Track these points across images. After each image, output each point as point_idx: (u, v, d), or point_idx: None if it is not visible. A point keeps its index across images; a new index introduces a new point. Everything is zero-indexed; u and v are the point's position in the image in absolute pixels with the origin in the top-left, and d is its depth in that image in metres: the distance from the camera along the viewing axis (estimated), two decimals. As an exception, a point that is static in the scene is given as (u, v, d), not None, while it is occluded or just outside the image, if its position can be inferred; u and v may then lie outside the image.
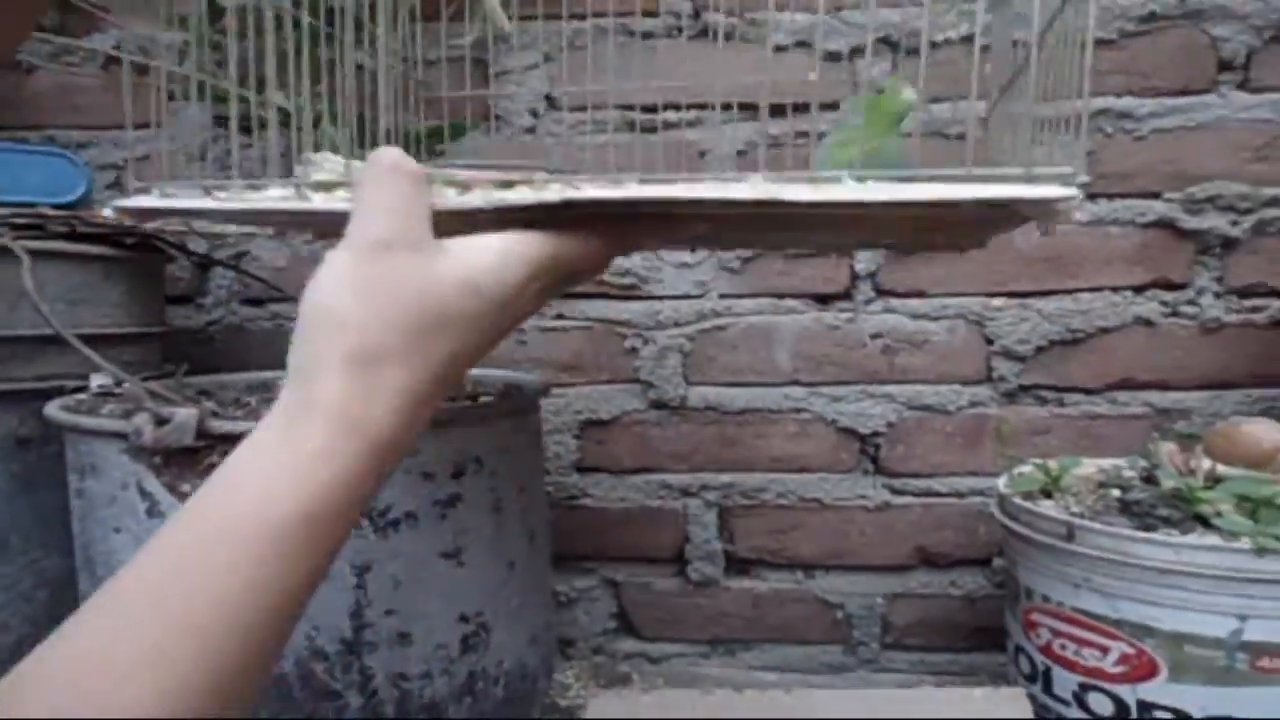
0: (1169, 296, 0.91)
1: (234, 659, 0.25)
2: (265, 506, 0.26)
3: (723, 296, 0.96)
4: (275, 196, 0.37)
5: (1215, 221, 0.89)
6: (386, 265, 0.30)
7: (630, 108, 0.91)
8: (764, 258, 0.94)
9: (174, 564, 0.26)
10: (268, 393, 0.72)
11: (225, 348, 1.01)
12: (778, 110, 0.88)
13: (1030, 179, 0.31)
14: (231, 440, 0.50)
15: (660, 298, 0.97)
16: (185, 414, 0.49)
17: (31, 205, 0.72)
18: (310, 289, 0.30)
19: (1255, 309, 0.90)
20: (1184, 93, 0.88)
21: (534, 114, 0.95)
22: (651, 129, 0.91)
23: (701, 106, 0.92)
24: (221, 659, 0.25)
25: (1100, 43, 0.88)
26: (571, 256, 0.33)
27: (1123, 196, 0.90)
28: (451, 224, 0.31)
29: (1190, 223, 0.89)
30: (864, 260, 0.94)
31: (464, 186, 0.34)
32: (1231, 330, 0.91)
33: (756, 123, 0.93)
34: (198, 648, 0.24)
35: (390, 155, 0.32)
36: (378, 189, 0.31)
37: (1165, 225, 0.90)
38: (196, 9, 0.64)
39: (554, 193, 0.32)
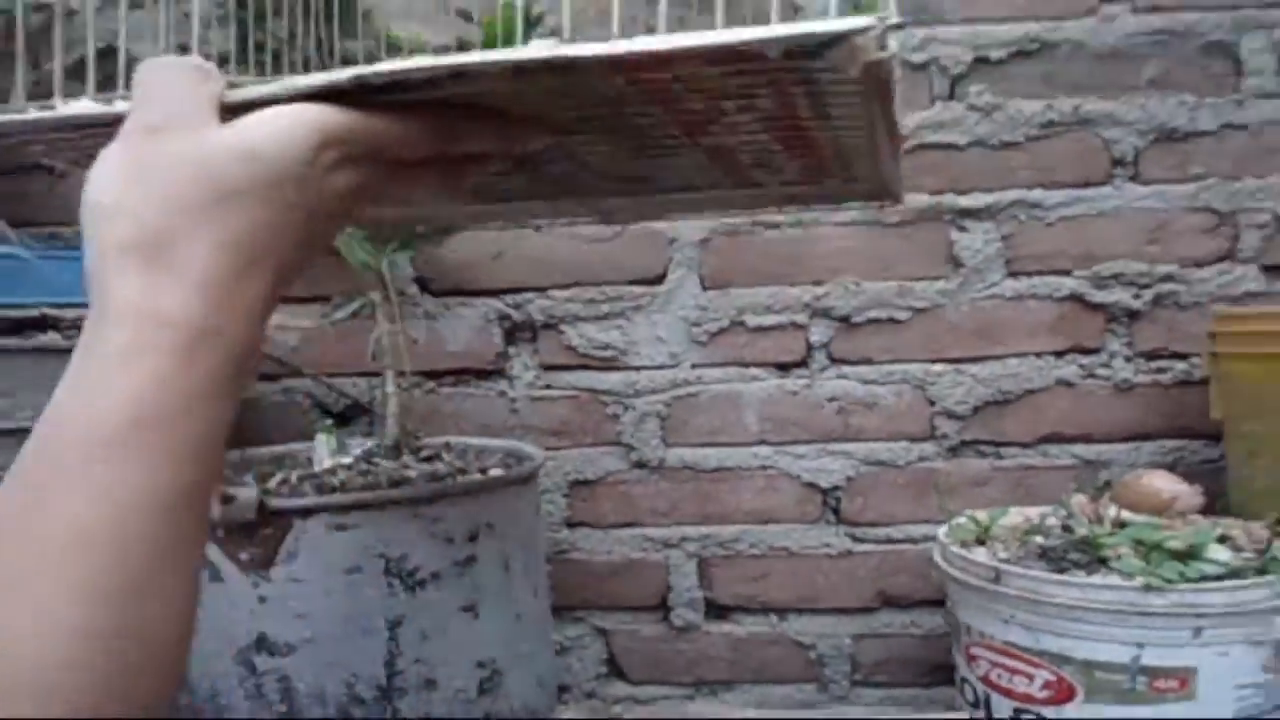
0: (1085, 360, 1.04)
1: (110, 576, 0.25)
2: (89, 426, 0.26)
3: (694, 366, 1.07)
4: (82, 106, 0.35)
5: (1119, 295, 1.02)
6: (157, 147, 0.28)
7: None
8: (729, 332, 1.06)
9: (27, 494, 0.26)
10: (295, 465, 0.81)
11: (241, 421, 1.09)
12: None
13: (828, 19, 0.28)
14: (285, 515, 0.59)
15: (638, 368, 1.07)
16: (247, 493, 0.58)
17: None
18: (85, 187, 0.29)
19: (1160, 370, 1.03)
20: (1085, 185, 1.02)
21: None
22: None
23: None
24: (92, 576, 0.25)
25: (1007, 145, 1.02)
26: (375, 131, 0.30)
27: (1039, 274, 1.03)
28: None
29: (1098, 296, 1.03)
30: (818, 332, 1.06)
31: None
32: (1142, 389, 1.04)
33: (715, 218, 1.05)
34: (56, 572, 0.24)
35: (167, 57, 0.31)
36: (154, 79, 0.30)
37: (1077, 299, 1.03)
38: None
39: (345, 72, 0.29)
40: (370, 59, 0.97)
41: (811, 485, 1.07)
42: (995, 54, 1.01)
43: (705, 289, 1.06)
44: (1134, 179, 1.02)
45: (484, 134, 0.33)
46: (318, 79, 0.29)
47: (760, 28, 0.28)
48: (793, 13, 1.01)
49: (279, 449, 0.92)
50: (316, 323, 1.04)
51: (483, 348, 1.08)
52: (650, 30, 0.29)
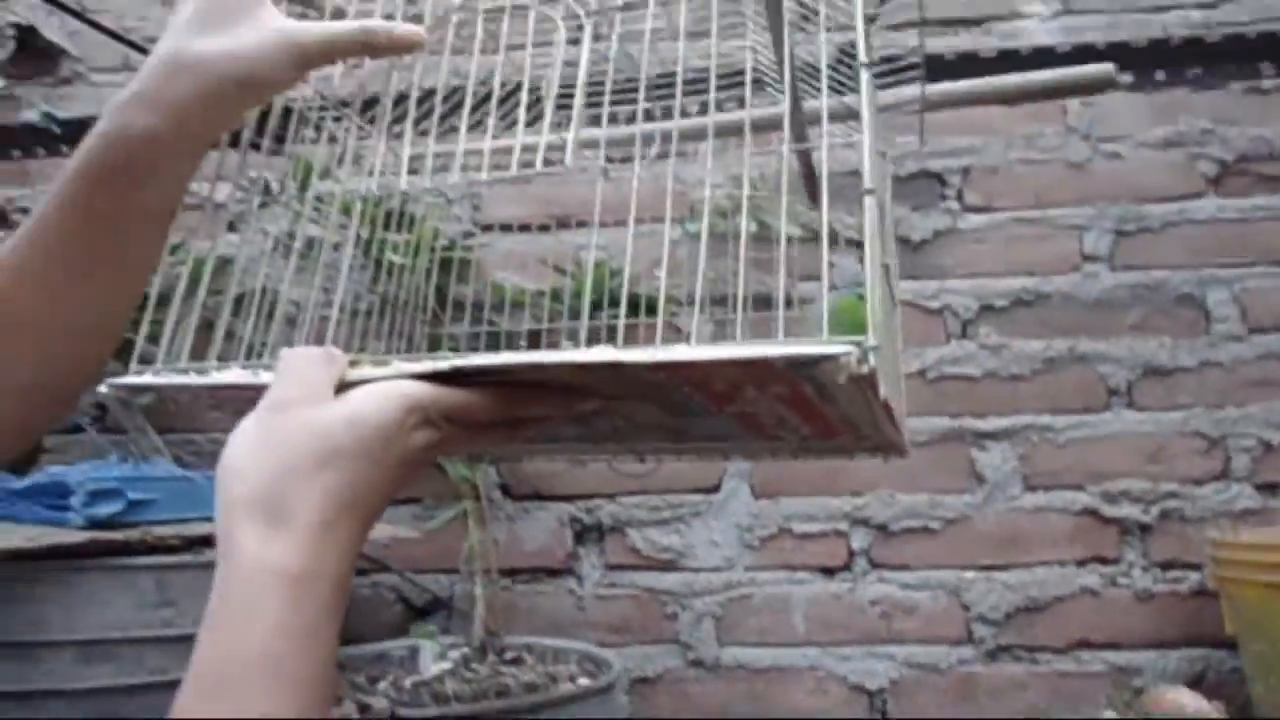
0: (1105, 570, 1.13)
1: None
2: (225, 664, 0.30)
3: (746, 569, 1.17)
4: (232, 375, 0.42)
5: (1129, 510, 1.14)
6: (281, 419, 0.34)
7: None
8: (778, 538, 1.17)
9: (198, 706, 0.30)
10: (394, 666, 0.90)
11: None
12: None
13: (819, 342, 0.34)
14: None
15: (695, 569, 1.18)
16: (381, 705, 0.68)
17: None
18: (223, 452, 0.34)
19: (1176, 580, 1.12)
20: (1087, 411, 1.17)
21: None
22: (687, 436, 1.19)
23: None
24: None
25: (1016, 377, 1.18)
26: (453, 401, 0.36)
27: (1055, 489, 1.16)
28: None
29: (1110, 511, 1.14)
30: (858, 539, 1.17)
31: (384, 364, 0.38)
32: (1162, 598, 1.12)
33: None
34: None
35: (304, 347, 0.38)
36: (287, 366, 0.36)
37: (1091, 512, 1.14)
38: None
39: (445, 362, 0.36)
40: (478, 304, 1.18)
41: (858, 688, 1.13)
42: (998, 303, 1.21)
43: (756, 498, 1.19)
44: (1129, 406, 1.17)
45: (544, 402, 0.39)
46: (420, 367, 0.36)
47: (769, 344, 0.34)
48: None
49: (375, 648, 1.01)
50: (412, 526, 1.17)
51: (555, 548, 1.19)
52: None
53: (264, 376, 0.40)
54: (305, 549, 0.32)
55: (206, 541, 0.86)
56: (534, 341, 1.05)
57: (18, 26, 1.30)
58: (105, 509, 0.81)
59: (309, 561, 0.32)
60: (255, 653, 0.30)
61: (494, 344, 0.96)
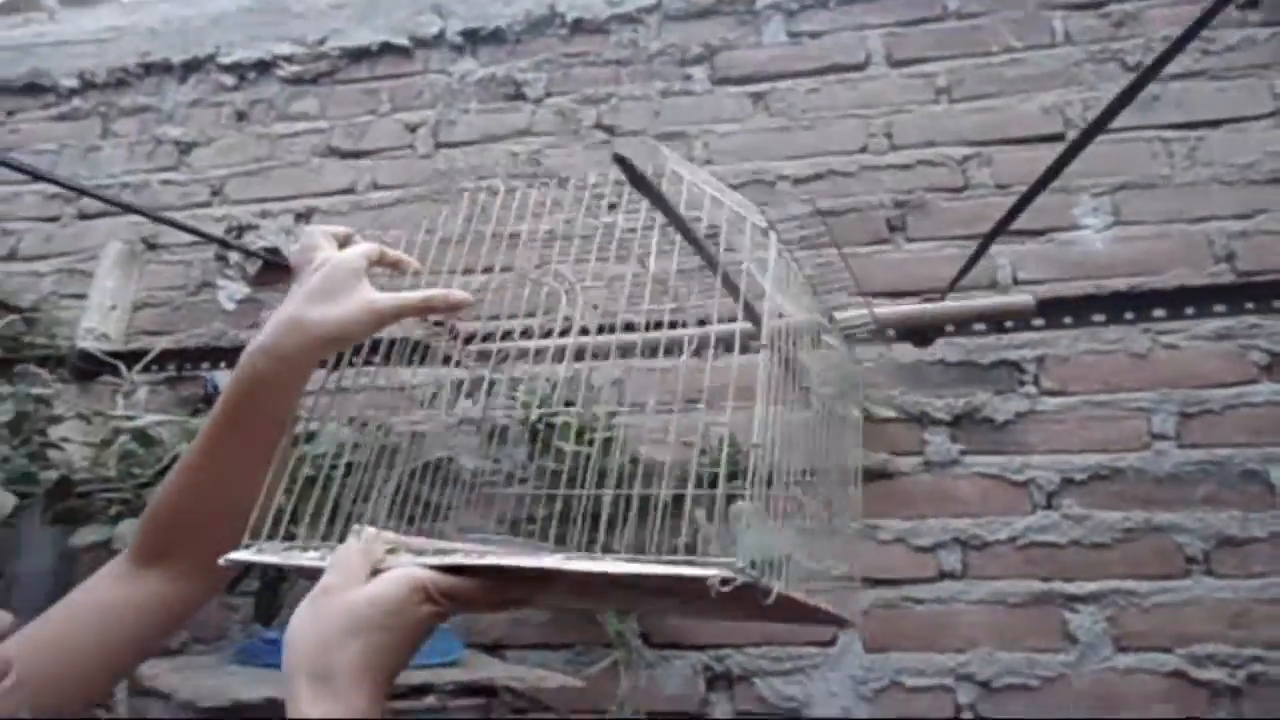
0: (1199, 729, 1.23)
1: None
2: None
3: (861, 719, 1.31)
4: (311, 557, 0.51)
5: (1216, 673, 1.24)
6: (325, 601, 0.45)
7: (787, 577, 1.38)
8: (889, 690, 1.31)
9: None
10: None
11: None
12: (882, 582, 1.33)
13: (692, 563, 0.42)
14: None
15: (816, 718, 1.32)
16: None
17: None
18: (289, 627, 0.45)
19: (1269, 741, 1.21)
20: (1167, 577, 1.30)
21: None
22: (803, 593, 1.36)
23: (837, 579, 1.37)
24: None
25: (1098, 545, 1.33)
26: (449, 584, 0.46)
27: (1142, 650, 1.27)
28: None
29: (1198, 673, 1.25)
30: (964, 694, 1.29)
31: (415, 551, 0.48)
32: (1256, 758, 1.20)
33: (874, 590, 1.36)
34: None
35: (351, 542, 0.48)
36: (336, 560, 0.47)
37: (1180, 675, 1.25)
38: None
39: (438, 558, 0.47)
40: (621, 474, 1.41)
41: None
42: (1078, 476, 1.37)
43: (868, 651, 1.34)
44: (1208, 574, 1.30)
45: (522, 588, 0.49)
46: (437, 560, 0.47)
47: (647, 565, 0.44)
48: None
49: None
50: (565, 671, 1.35)
51: (689, 693, 1.35)
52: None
53: (301, 560, 0.52)
54: (342, 702, 0.42)
55: (423, 690, 1.07)
56: (678, 504, 1.26)
57: (265, 249, 1.66)
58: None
59: (350, 706, 0.42)
60: None
61: (639, 507, 1.17)
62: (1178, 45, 0.76)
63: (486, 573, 0.47)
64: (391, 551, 0.49)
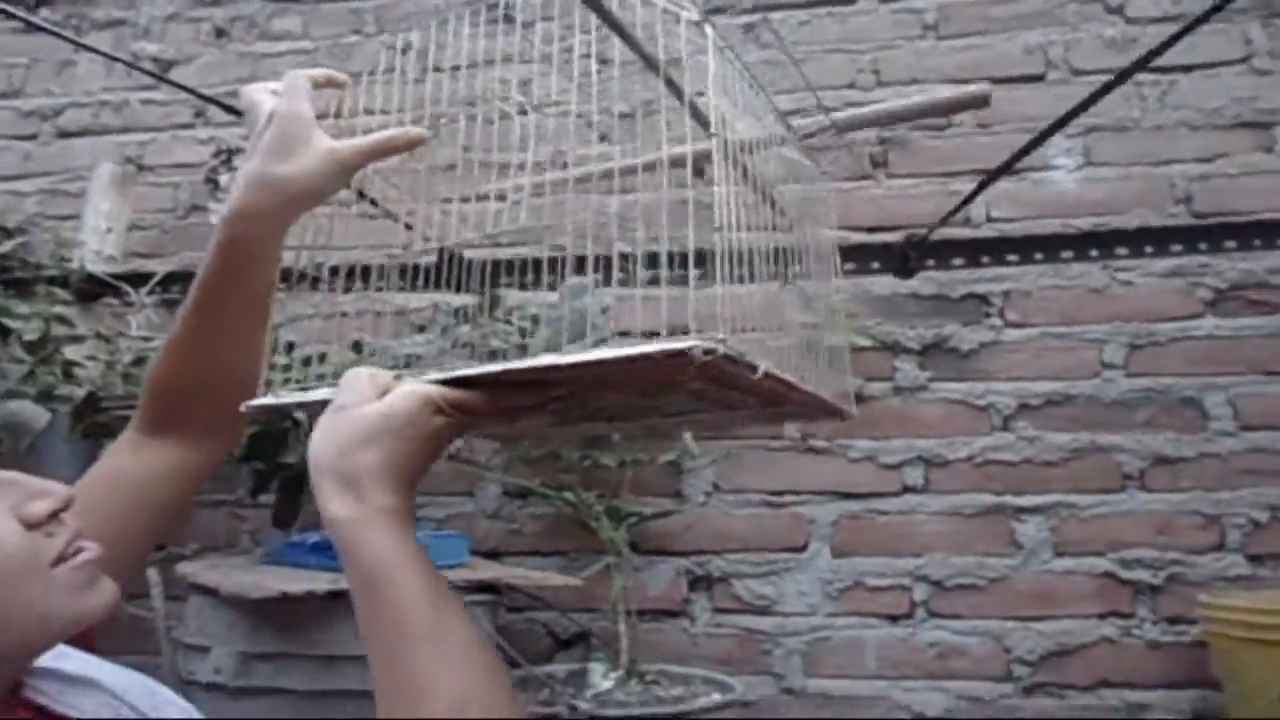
0: (1122, 623, 1.40)
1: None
2: (370, 572, 0.44)
3: (827, 615, 1.46)
4: (325, 393, 0.53)
5: (1141, 574, 1.40)
6: (339, 416, 0.47)
7: (763, 491, 1.50)
8: (853, 590, 1.46)
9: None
10: (563, 685, 1.20)
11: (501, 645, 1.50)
12: (851, 496, 1.46)
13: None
14: None
15: (786, 614, 1.46)
16: (583, 707, 0.98)
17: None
18: (310, 440, 0.48)
19: (1180, 633, 1.38)
20: (1106, 491, 1.45)
21: (706, 494, 1.53)
22: (778, 505, 1.49)
23: (813, 491, 1.50)
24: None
25: (1048, 463, 1.46)
26: (456, 396, 0.48)
27: (1078, 555, 1.43)
28: None
29: (1125, 574, 1.41)
30: (919, 593, 1.45)
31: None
32: (1168, 647, 1.38)
33: (843, 502, 1.49)
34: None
35: (358, 369, 0.50)
36: (346, 382, 0.49)
37: (1109, 575, 1.41)
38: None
39: (448, 373, 0.49)
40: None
41: (919, 715, 1.40)
42: (1033, 401, 1.49)
43: (835, 557, 1.48)
44: (1142, 489, 1.44)
45: (523, 394, 0.50)
46: (438, 375, 0.49)
47: (626, 347, 0.43)
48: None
49: (545, 669, 1.31)
50: (563, 572, 1.47)
51: (673, 594, 1.49)
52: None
53: (308, 396, 0.54)
54: (367, 501, 0.45)
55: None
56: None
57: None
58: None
59: (376, 504, 0.45)
60: (375, 564, 0.44)
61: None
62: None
63: (489, 383, 0.49)
64: (397, 377, 0.51)
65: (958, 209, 1.28)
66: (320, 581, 1.10)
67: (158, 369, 0.62)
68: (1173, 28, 1.58)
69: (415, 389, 0.48)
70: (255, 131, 0.60)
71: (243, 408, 0.57)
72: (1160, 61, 1.60)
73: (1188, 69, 1.58)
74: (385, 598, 0.44)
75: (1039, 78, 1.61)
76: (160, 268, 1.66)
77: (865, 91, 1.63)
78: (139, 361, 1.44)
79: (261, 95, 0.62)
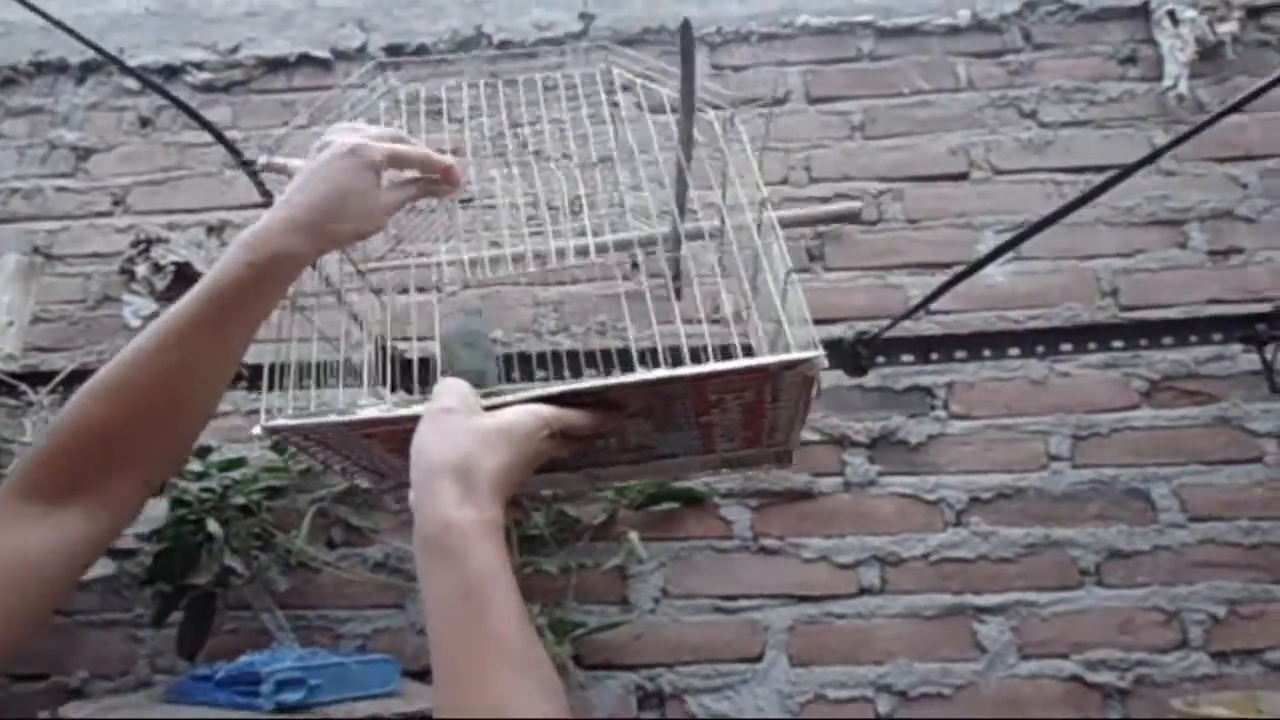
0: (1092, 728, 1.33)
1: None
2: (470, 586, 0.42)
3: None
4: (372, 412, 0.54)
5: (1108, 676, 1.35)
6: (452, 419, 0.48)
7: (715, 596, 1.41)
8: (814, 703, 1.36)
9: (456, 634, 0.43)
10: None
11: None
12: (806, 599, 1.38)
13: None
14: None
15: None
16: None
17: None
18: (414, 441, 0.48)
19: (1152, 737, 1.32)
20: (1063, 588, 1.40)
21: (654, 600, 1.43)
22: (731, 611, 1.40)
23: (767, 595, 1.41)
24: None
25: (1004, 559, 1.42)
26: (564, 416, 0.51)
27: (1043, 657, 1.37)
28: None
29: (1092, 677, 1.35)
30: (883, 704, 1.36)
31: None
32: (1142, 753, 1.31)
33: (799, 606, 1.41)
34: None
35: (452, 380, 0.52)
36: (446, 388, 0.51)
37: (1076, 679, 1.35)
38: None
39: (539, 391, 0.52)
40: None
41: None
42: (985, 495, 1.46)
43: (793, 666, 1.38)
44: (1099, 584, 1.41)
45: (611, 417, 0.54)
46: (540, 392, 0.52)
47: (768, 357, 0.53)
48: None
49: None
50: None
51: (621, 713, 1.36)
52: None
53: (403, 411, 0.53)
54: (489, 505, 0.45)
55: None
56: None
57: (176, 263, 1.58)
58: (290, 696, 1.00)
59: (493, 514, 0.45)
60: (483, 574, 0.43)
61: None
62: (1251, 96, 0.82)
63: (590, 400, 0.52)
64: (487, 394, 0.53)
65: (919, 307, 1.28)
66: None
67: (71, 421, 0.52)
68: (1083, 131, 1.70)
69: (534, 408, 0.50)
70: (314, 170, 0.59)
71: (258, 430, 0.54)
72: (1075, 162, 1.70)
73: (1100, 169, 1.65)
74: (488, 613, 0.42)
75: (963, 175, 1.67)
76: (63, 362, 1.53)
77: (799, 187, 1.66)
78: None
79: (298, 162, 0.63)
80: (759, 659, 1.39)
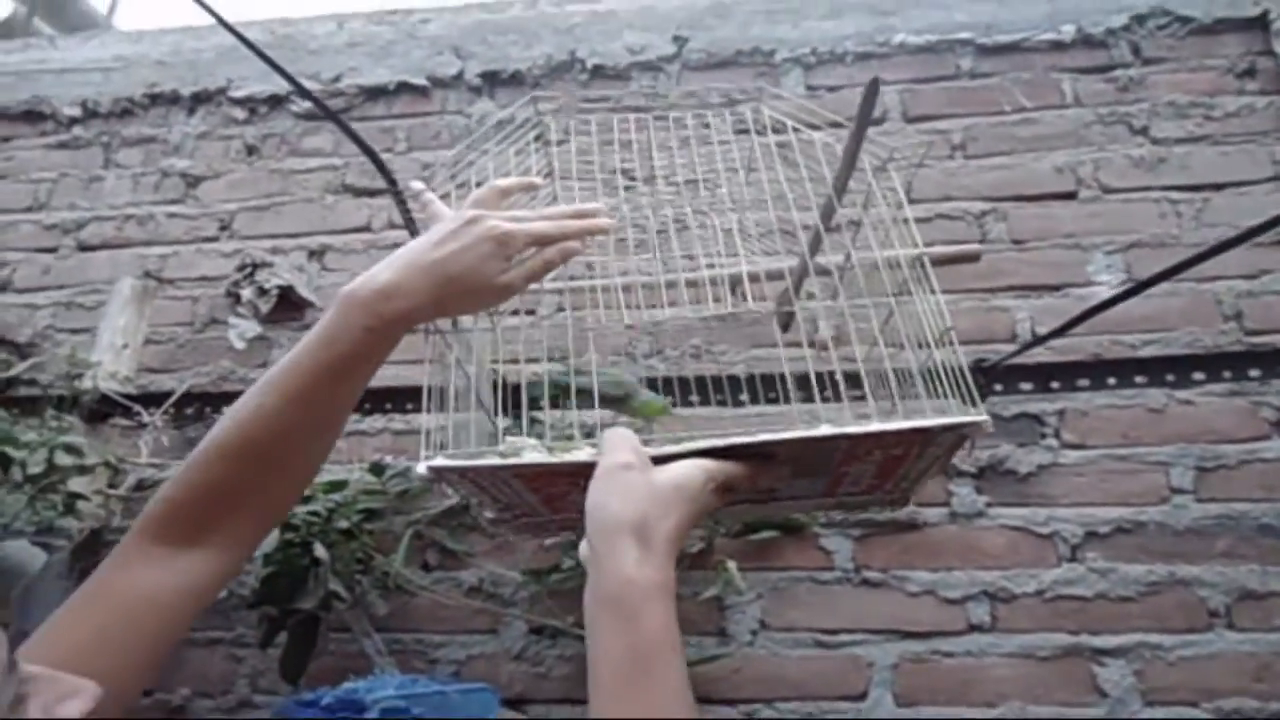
0: (1228, 783, 1.24)
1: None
2: (637, 649, 0.43)
3: None
4: (536, 456, 0.55)
5: (1243, 726, 1.26)
6: (630, 475, 0.49)
7: (816, 630, 1.37)
8: None
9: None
10: None
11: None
12: (911, 635, 1.33)
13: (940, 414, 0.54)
14: None
15: None
16: None
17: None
18: (591, 495, 0.49)
19: (1295, 795, 1.23)
20: (1191, 630, 1.32)
21: (752, 632, 1.40)
22: (833, 646, 1.35)
23: (870, 630, 1.37)
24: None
25: (1124, 598, 1.34)
26: (729, 472, 0.52)
27: (1170, 704, 1.29)
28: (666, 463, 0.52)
29: (1225, 727, 1.26)
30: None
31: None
32: (1283, 813, 1.22)
33: (904, 642, 1.36)
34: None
35: (621, 429, 0.53)
36: (620, 440, 0.51)
37: (1208, 729, 1.27)
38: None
39: (708, 443, 0.54)
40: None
41: None
42: (1102, 529, 1.39)
43: (899, 706, 1.33)
44: (1229, 627, 1.32)
45: (770, 472, 0.55)
46: (703, 445, 0.53)
47: (936, 416, 0.55)
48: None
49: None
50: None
51: (719, 749, 1.33)
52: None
53: (568, 458, 0.55)
54: (665, 567, 0.46)
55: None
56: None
57: (280, 286, 1.63)
58: (395, 723, 1.00)
59: (667, 576, 0.46)
60: (656, 638, 0.43)
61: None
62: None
63: (752, 454, 0.53)
64: (646, 442, 0.53)
65: (1047, 337, 1.23)
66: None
67: (197, 476, 0.55)
68: (1199, 148, 1.62)
69: (702, 464, 0.51)
70: (452, 248, 0.58)
71: (423, 469, 0.54)
72: (1190, 180, 1.62)
73: (1218, 187, 1.58)
74: (658, 677, 0.43)
75: (1071, 195, 1.61)
76: (172, 383, 1.58)
77: (898, 208, 1.62)
78: (142, 487, 1.34)
79: (443, 208, 0.65)
80: (863, 697, 1.34)
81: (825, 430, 0.53)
